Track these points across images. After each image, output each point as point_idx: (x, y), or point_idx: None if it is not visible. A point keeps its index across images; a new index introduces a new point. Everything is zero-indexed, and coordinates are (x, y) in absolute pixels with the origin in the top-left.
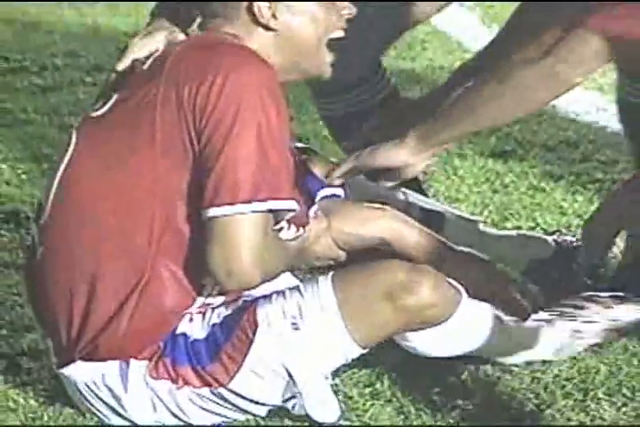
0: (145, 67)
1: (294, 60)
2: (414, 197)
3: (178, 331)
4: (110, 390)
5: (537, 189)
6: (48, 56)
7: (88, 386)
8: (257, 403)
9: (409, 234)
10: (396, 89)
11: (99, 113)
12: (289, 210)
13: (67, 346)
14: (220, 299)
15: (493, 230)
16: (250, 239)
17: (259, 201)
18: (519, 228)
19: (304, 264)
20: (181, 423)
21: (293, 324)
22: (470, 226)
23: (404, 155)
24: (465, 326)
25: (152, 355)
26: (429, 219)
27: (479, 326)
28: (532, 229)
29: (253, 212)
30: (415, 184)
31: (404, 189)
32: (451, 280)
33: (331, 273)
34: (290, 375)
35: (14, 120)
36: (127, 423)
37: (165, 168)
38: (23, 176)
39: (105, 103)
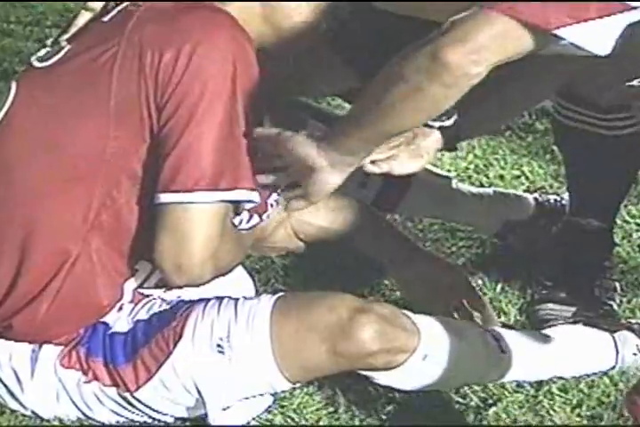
0: (106, 19)
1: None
2: None
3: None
4: (15, 372)
5: (529, 130)
6: None
7: None
8: (162, 413)
9: (374, 230)
10: None
11: (45, 64)
12: (250, 201)
13: None
14: (156, 292)
15: (467, 187)
16: (205, 232)
17: (220, 190)
18: (502, 177)
19: (259, 255)
20: (82, 417)
21: (219, 346)
22: (442, 183)
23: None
24: (436, 367)
25: (69, 342)
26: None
27: (458, 364)
28: (517, 178)
29: (212, 201)
30: None
31: None
32: (410, 320)
33: (275, 297)
34: (201, 397)
35: None
36: (23, 409)
37: (116, 139)
38: None
39: (54, 53)
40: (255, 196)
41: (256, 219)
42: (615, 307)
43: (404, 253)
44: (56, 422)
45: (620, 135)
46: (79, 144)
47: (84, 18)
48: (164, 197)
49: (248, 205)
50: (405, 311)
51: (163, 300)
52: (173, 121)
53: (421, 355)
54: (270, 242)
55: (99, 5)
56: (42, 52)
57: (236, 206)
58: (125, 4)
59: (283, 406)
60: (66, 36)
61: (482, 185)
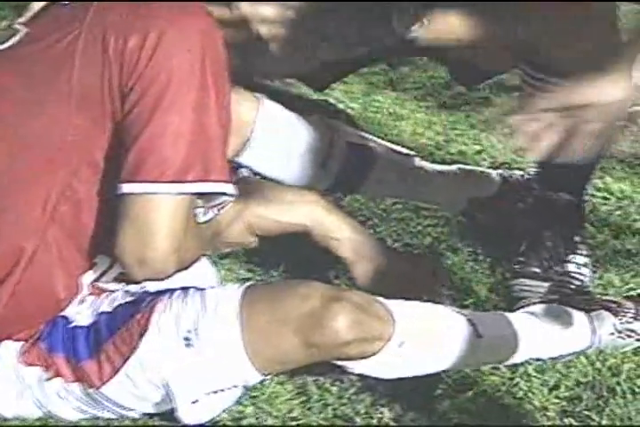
0: (66, 1)
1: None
2: (340, 131)
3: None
4: None
5: (489, 104)
6: None
7: None
8: (128, 409)
9: (333, 227)
10: None
11: (1, 47)
12: (221, 193)
13: None
14: (114, 286)
15: (430, 165)
16: (169, 225)
17: (188, 182)
18: (463, 153)
19: (213, 251)
20: (46, 415)
21: (186, 339)
22: (404, 161)
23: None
24: (412, 354)
25: (29, 337)
26: (357, 155)
27: (435, 350)
28: (478, 153)
29: (179, 193)
30: (343, 116)
31: (328, 122)
32: (384, 307)
33: (244, 287)
34: (169, 391)
35: None
36: None
37: (77, 127)
38: None
39: (9, 37)
40: (229, 188)
41: (212, 212)
42: (587, 282)
43: (363, 247)
44: (17, 422)
45: None
46: (39, 131)
47: (39, 2)
48: (128, 188)
49: (223, 198)
50: (378, 298)
51: (126, 292)
52: (138, 109)
53: (397, 342)
54: (224, 237)
55: None
56: None
57: (212, 199)
58: None
59: (254, 397)
60: (21, 20)
61: (444, 161)
